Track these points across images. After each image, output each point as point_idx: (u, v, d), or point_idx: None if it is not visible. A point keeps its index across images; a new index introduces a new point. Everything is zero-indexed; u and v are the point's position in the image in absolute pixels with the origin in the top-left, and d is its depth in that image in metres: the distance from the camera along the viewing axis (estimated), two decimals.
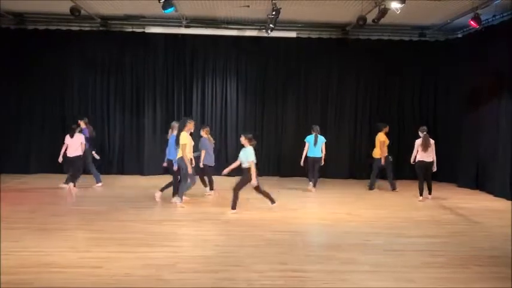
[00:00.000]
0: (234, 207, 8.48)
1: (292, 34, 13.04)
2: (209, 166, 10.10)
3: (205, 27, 12.92)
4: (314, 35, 13.40)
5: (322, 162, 11.27)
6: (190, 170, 8.73)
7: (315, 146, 11.13)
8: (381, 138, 11.18)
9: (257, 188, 8.60)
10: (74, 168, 10.43)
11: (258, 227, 7.51)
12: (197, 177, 9.68)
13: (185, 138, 8.67)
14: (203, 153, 9.93)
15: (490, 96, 11.37)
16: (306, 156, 11.25)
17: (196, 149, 9.64)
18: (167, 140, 13.26)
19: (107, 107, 13.39)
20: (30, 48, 12.75)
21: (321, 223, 8.13)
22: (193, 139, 9.27)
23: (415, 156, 10.12)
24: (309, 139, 11.24)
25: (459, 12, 10.88)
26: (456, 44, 13.09)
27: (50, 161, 12.73)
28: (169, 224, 7.67)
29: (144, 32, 13.02)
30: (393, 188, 11.30)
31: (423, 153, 10.00)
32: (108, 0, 11.02)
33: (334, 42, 13.46)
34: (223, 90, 13.63)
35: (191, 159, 8.93)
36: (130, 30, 13.13)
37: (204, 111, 13.55)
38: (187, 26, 12.83)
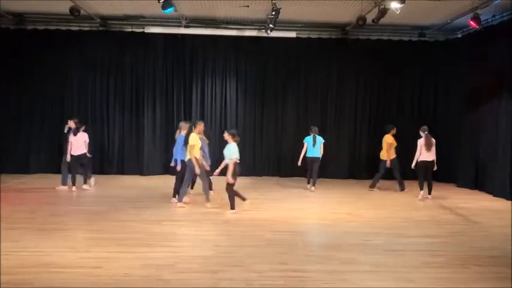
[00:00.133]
0: (232, 207, 8.46)
1: (292, 34, 13.04)
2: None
3: (205, 27, 12.92)
4: (314, 35, 13.40)
5: (320, 163, 11.34)
6: (197, 171, 8.78)
7: (313, 147, 11.20)
8: (389, 140, 11.14)
9: (230, 187, 8.42)
10: (83, 167, 10.73)
11: (258, 227, 7.51)
12: (208, 178, 9.48)
13: (194, 139, 8.73)
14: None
15: (490, 96, 11.37)
16: (305, 157, 11.32)
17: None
18: (166, 140, 13.43)
19: (106, 107, 13.39)
20: (29, 48, 12.74)
21: (321, 223, 8.13)
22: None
23: (419, 156, 10.16)
24: (308, 140, 11.32)
25: (459, 12, 10.88)
26: (456, 44, 13.09)
27: (49, 161, 12.77)
28: (169, 224, 7.66)
29: (143, 32, 13.02)
30: (402, 188, 11.27)
31: (426, 152, 10.07)
32: (107, 0, 11.02)
33: (334, 42, 13.46)
34: (223, 90, 13.63)
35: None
36: (129, 30, 13.12)
37: (203, 111, 13.54)
38: (186, 26, 12.83)
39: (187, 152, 8.77)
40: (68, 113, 12.96)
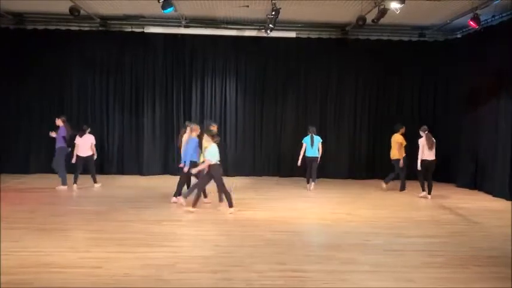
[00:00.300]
0: (230, 205, 8.46)
1: (292, 34, 13.04)
2: None
3: (205, 27, 12.92)
4: (314, 35, 13.40)
5: (319, 161, 11.43)
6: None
7: (311, 147, 11.29)
8: (399, 139, 11.11)
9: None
10: (90, 168, 10.88)
11: (258, 227, 7.51)
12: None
13: (209, 141, 8.74)
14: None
15: (489, 97, 11.37)
16: (304, 157, 11.38)
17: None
18: (165, 140, 13.42)
19: (106, 107, 13.39)
20: (29, 48, 12.74)
21: (320, 223, 8.13)
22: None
23: (422, 156, 10.18)
24: (306, 140, 11.41)
25: (458, 12, 10.89)
26: (455, 44, 13.10)
27: (49, 161, 12.68)
28: (169, 224, 7.66)
29: (143, 32, 13.01)
30: (402, 189, 11.27)
31: (427, 152, 10.10)
32: (107, 0, 11.02)
33: (334, 42, 13.46)
34: (223, 90, 13.62)
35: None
36: (129, 30, 13.11)
37: (203, 111, 13.53)
38: (186, 26, 12.83)
39: (203, 154, 8.78)
40: (68, 113, 13.00)
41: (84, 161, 10.75)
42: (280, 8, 10.17)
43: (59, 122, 10.67)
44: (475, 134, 11.88)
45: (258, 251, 6.21)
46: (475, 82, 11.92)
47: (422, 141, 10.22)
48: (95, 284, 4.92)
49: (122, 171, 13.30)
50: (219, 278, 5.17)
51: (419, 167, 10.24)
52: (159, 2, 9.77)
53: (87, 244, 6.36)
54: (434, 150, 10.21)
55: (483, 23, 10.74)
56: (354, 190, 11.62)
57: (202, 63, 13.51)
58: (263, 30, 12.33)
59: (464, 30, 12.64)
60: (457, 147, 12.52)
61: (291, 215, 8.59)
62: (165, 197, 9.63)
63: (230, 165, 13.20)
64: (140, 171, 13.28)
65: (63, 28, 12.92)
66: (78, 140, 10.67)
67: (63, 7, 10.72)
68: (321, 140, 11.43)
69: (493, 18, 11.04)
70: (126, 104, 13.38)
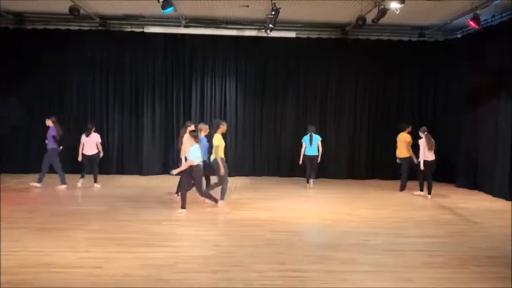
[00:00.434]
0: (215, 200, 8.66)
1: (292, 34, 13.04)
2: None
3: (205, 27, 12.92)
4: (313, 35, 13.40)
5: (319, 160, 11.50)
6: (222, 171, 8.82)
7: (311, 146, 11.38)
8: (406, 138, 11.11)
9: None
10: (93, 167, 10.95)
11: (258, 227, 7.52)
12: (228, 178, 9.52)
13: (219, 140, 8.84)
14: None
15: (489, 97, 11.38)
16: (304, 156, 11.45)
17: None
18: (165, 139, 13.40)
19: (106, 107, 13.38)
20: (29, 47, 12.72)
21: (320, 223, 8.13)
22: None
23: (423, 157, 10.20)
24: (305, 139, 11.49)
25: (458, 12, 10.89)
26: (455, 44, 13.10)
27: None
28: (169, 224, 7.67)
29: (143, 31, 13.00)
30: (402, 189, 11.27)
31: (427, 152, 10.13)
32: (107, 0, 11.01)
33: (334, 42, 13.46)
34: (223, 90, 13.62)
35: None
36: (129, 30, 13.10)
37: (203, 111, 13.52)
38: (186, 26, 12.83)
39: (213, 153, 8.84)
40: (68, 113, 13.04)
41: (89, 160, 10.83)
42: (280, 8, 10.17)
43: (49, 122, 10.70)
44: (475, 134, 11.88)
45: (257, 251, 6.22)
46: (475, 82, 11.92)
47: (422, 142, 10.23)
48: (95, 284, 4.93)
49: (121, 171, 13.29)
50: (219, 278, 5.18)
51: (422, 167, 10.25)
52: (159, 2, 9.76)
53: (87, 244, 6.36)
54: (433, 150, 10.24)
55: (483, 23, 10.74)
56: (354, 190, 11.63)
57: (202, 63, 13.51)
58: (263, 30, 12.33)
59: (464, 30, 12.64)
60: (457, 147, 12.52)
61: (291, 214, 8.60)
62: (165, 197, 9.63)
63: (230, 165, 13.12)
64: (140, 171, 13.28)
65: (63, 28, 12.91)
66: (84, 139, 10.76)
67: (63, 7, 10.71)
68: (320, 138, 11.48)
69: (493, 18, 11.04)
70: (126, 104, 13.38)
